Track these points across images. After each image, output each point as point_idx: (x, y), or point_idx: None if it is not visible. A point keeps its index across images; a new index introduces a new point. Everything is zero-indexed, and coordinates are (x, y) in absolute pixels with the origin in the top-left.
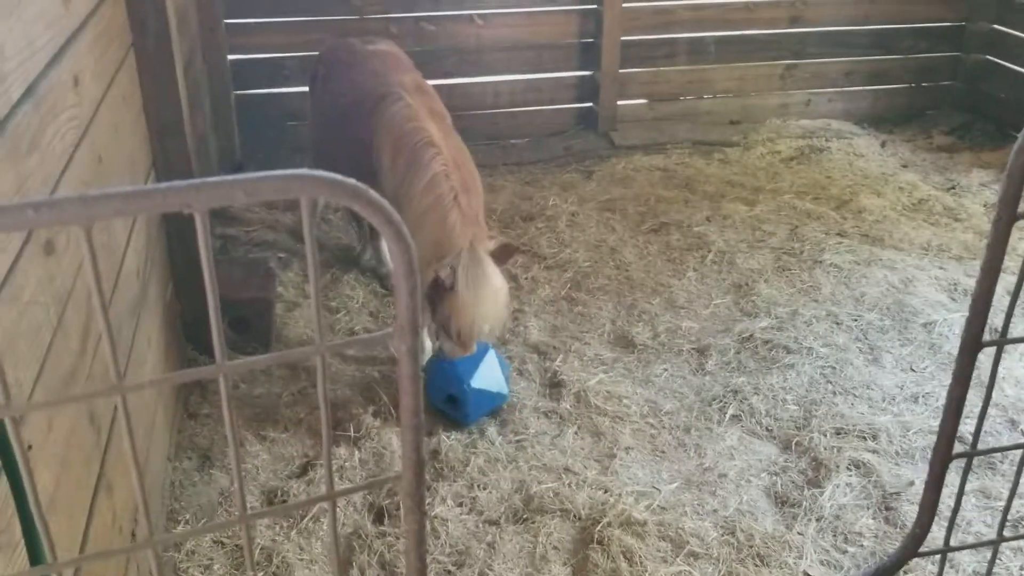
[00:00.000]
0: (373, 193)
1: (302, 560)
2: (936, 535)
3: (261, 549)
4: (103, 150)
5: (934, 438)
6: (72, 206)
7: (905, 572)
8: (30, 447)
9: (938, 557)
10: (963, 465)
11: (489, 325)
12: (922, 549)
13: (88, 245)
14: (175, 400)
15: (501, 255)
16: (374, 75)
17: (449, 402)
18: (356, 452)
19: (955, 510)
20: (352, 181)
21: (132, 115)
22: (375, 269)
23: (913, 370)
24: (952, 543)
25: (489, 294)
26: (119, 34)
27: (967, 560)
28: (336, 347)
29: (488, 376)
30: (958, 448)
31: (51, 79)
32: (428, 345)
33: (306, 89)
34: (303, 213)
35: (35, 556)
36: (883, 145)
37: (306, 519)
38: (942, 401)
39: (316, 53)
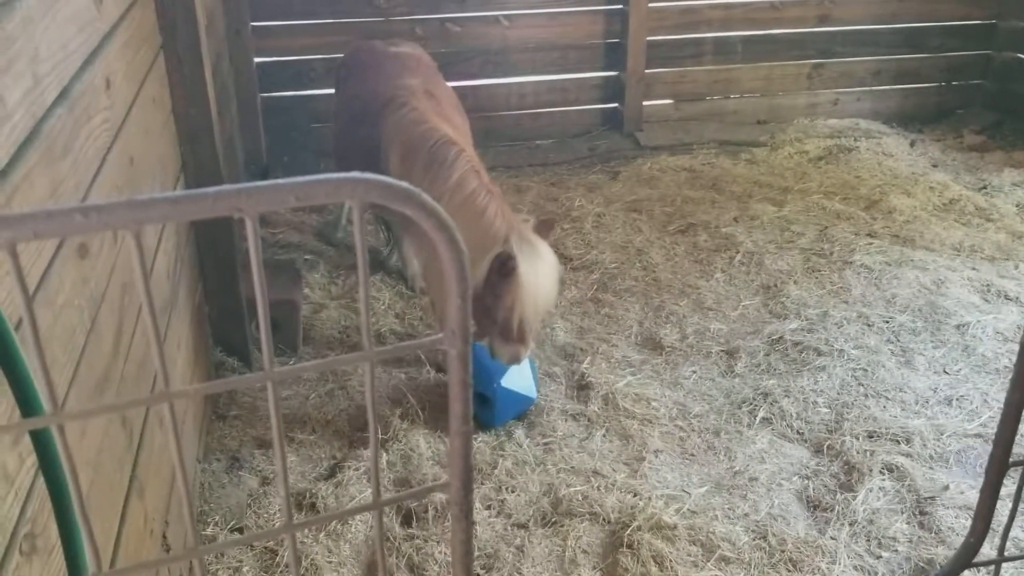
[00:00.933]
0: (426, 196)
1: (331, 563)
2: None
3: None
4: (134, 153)
5: (969, 441)
6: (122, 210)
7: None
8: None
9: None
10: (1019, 473)
11: (547, 305)
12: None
13: (138, 250)
14: (204, 402)
15: (543, 230)
16: (386, 78)
17: (476, 401)
18: (384, 454)
19: (1010, 519)
20: (405, 184)
21: (162, 118)
22: (400, 271)
23: (947, 372)
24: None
25: (548, 269)
26: (149, 36)
27: (1017, 572)
28: (384, 353)
29: (518, 377)
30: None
31: (84, 81)
32: None
33: (331, 91)
34: (355, 217)
35: (73, 561)
36: (912, 145)
37: (334, 522)
38: (976, 404)
39: (341, 55)
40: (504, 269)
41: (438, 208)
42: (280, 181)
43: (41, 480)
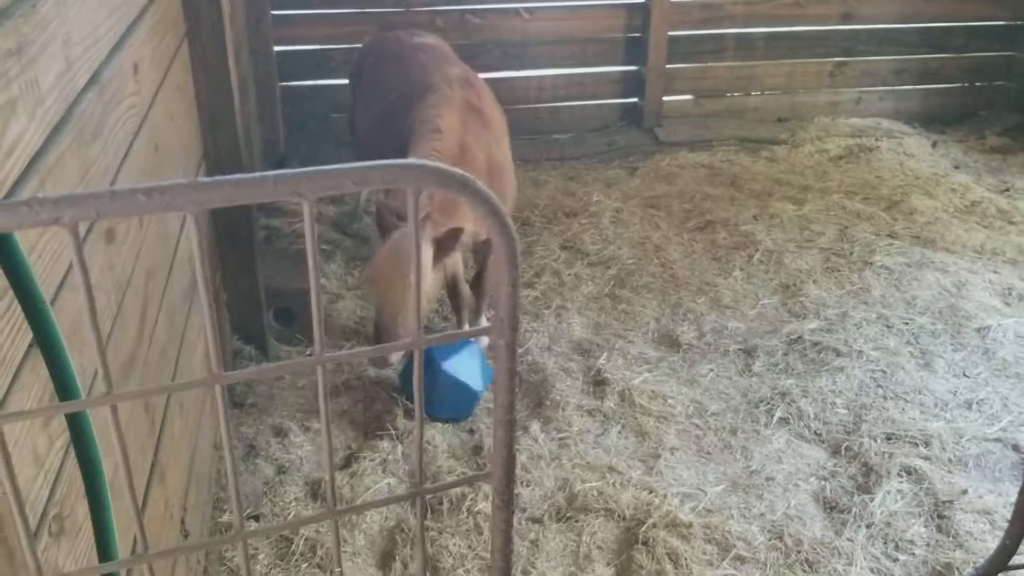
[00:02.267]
0: (480, 184)
1: (346, 552)
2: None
3: (305, 540)
4: (160, 139)
5: (988, 445)
6: (184, 192)
7: None
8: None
9: None
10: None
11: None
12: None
13: (197, 232)
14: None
15: (446, 241)
16: (423, 69)
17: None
18: (399, 446)
19: None
20: (460, 171)
21: (185, 105)
22: None
23: (966, 376)
24: None
25: (415, 272)
26: (174, 23)
27: None
28: (433, 340)
29: (464, 367)
30: None
31: (113, 66)
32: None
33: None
34: (409, 202)
35: (104, 542)
36: (934, 145)
37: (350, 512)
38: (996, 408)
39: (360, 45)
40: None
41: (491, 195)
42: (339, 166)
43: (69, 462)
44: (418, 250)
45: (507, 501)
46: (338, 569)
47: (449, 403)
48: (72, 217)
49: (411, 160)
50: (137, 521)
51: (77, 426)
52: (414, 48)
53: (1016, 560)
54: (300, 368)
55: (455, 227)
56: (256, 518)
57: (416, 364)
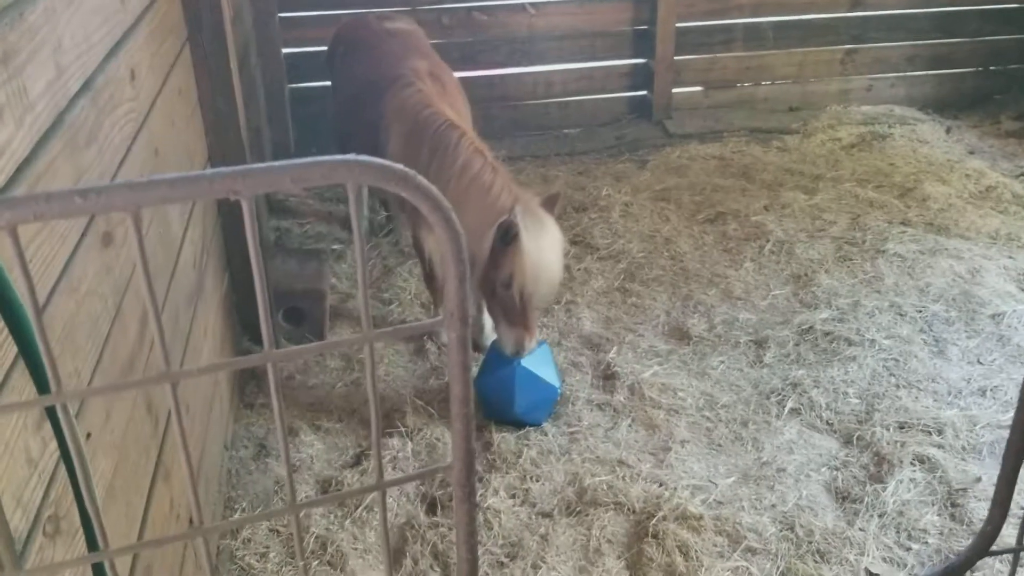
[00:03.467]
0: (421, 179)
1: (356, 549)
2: (1005, 534)
3: (316, 538)
4: (160, 143)
5: (1003, 433)
6: (120, 192)
7: (974, 571)
8: (88, 435)
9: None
10: None
11: (551, 279)
12: (993, 548)
13: (137, 232)
14: (232, 390)
15: (549, 204)
16: (391, 57)
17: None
18: (409, 443)
19: None
20: (400, 167)
21: (188, 109)
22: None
23: (980, 363)
24: None
25: (551, 241)
26: (174, 28)
27: None
28: (383, 334)
29: (541, 363)
30: None
31: (108, 73)
32: (489, 325)
33: None
34: (349, 198)
35: (93, 543)
36: (948, 131)
37: (359, 508)
38: (1011, 395)
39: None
40: (506, 238)
41: (433, 190)
42: (276, 163)
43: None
44: (362, 245)
45: (469, 493)
46: (301, 562)
47: (527, 402)
48: (9, 219)
49: (350, 156)
50: (95, 518)
51: (59, 427)
52: (383, 35)
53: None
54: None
55: (551, 194)
56: (268, 517)
57: (369, 357)
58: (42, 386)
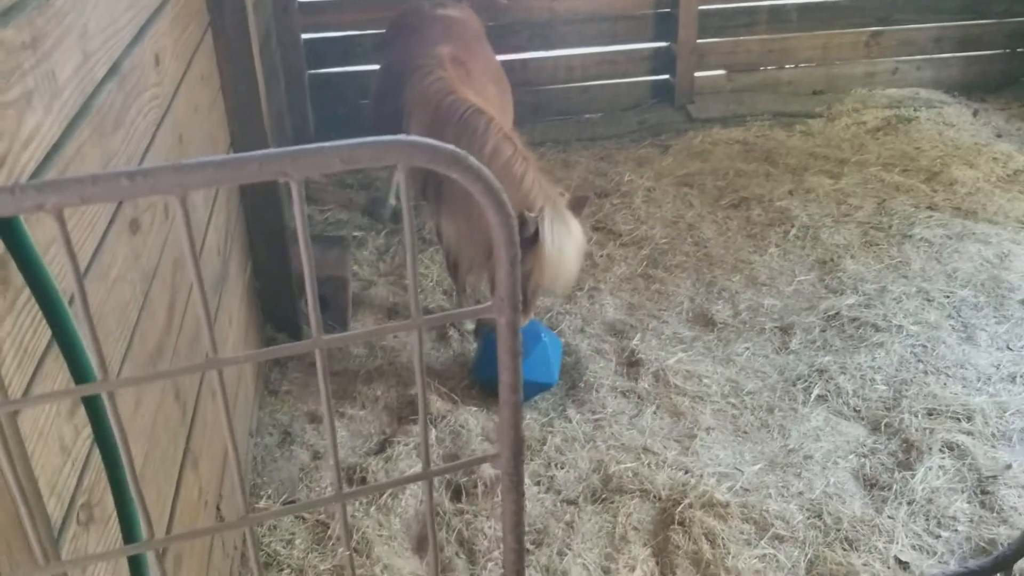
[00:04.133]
0: (473, 160)
1: (381, 536)
2: None
3: (342, 525)
4: (183, 129)
5: None
6: (166, 175)
7: None
8: None
9: None
10: None
11: (565, 280)
12: None
13: (184, 214)
14: (256, 377)
15: (577, 206)
16: (418, 45)
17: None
18: (433, 430)
19: None
20: (451, 147)
21: (210, 95)
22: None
23: (1010, 348)
24: None
25: (573, 246)
26: (197, 14)
27: None
28: (432, 320)
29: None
30: None
31: (134, 58)
32: (470, 326)
33: (379, 67)
34: (400, 180)
35: (129, 529)
36: (975, 114)
37: (385, 496)
38: None
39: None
40: (524, 232)
41: (485, 171)
42: (325, 144)
43: (97, 451)
44: (413, 231)
45: (516, 482)
46: (348, 552)
47: (526, 376)
48: (56, 203)
49: (400, 137)
50: (141, 508)
51: (95, 417)
52: (425, 22)
53: None
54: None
55: (581, 194)
56: (293, 503)
57: (417, 344)
58: (78, 373)
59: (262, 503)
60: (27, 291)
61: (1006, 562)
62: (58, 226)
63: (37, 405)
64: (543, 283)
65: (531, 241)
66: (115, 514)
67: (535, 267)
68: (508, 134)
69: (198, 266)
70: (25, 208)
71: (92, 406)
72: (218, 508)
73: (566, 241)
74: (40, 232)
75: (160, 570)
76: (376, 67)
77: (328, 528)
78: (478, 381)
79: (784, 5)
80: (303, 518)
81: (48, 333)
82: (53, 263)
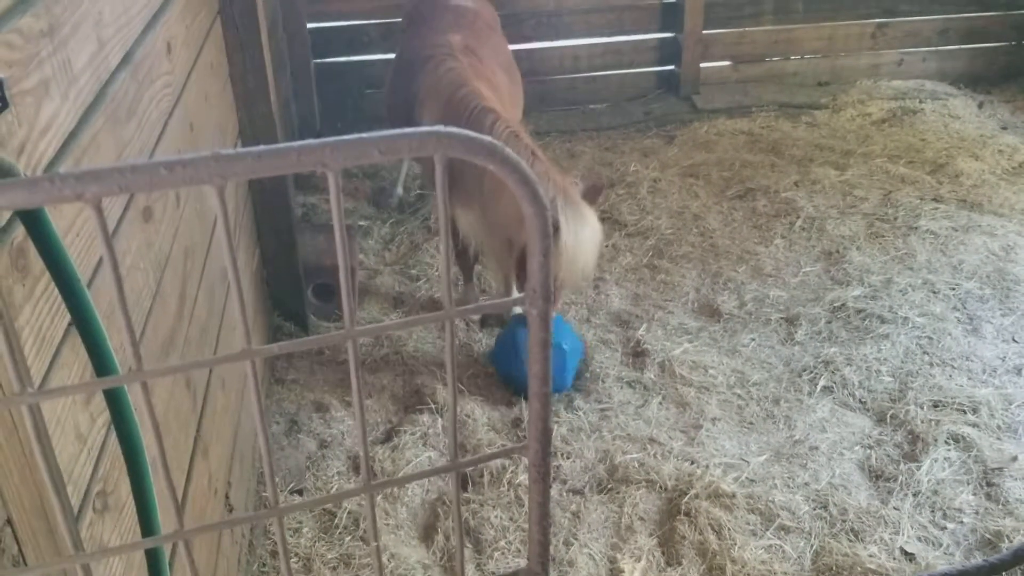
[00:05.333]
0: (508, 151)
1: (388, 525)
2: None
3: (348, 513)
4: (194, 118)
5: None
6: (206, 165)
7: None
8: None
9: None
10: None
11: (586, 271)
12: None
13: (220, 204)
14: (263, 366)
15: (591, 195)
16: (431, 33)
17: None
18: (439, 420)
19: None
20: (488, 139)
21: (220, 83)
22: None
23: (1016, 341)
24: None
25: (590, 235)
26: (207, 2)
27: None
28: (465, 311)
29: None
30: None
31: (146, 46)
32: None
33: (385, 56)
34: (437, 170)
35: (146, 517)
36: (980, 106)
37: (391, 485)
38: None
39: (395, 20)
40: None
41: (521, 162)
42: (364, 135)
43: (112, 440)
44: (447, 223)
45: (544, 473)
46: (375, 543)
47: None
48: (95, 192)
49: (439, 128)
50: (172, 498)
51: (116, 403)
52: (438, 10)
53: None
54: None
55: (596, 183)
56: (300, 492)
57: (448, 335)
58: (98, 361)
59: (268, 491)
60: (45, 279)
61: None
62: (95, 216)
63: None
64: (561, 275)
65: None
66: (129, 502)
67: (554, 259)
68: (515, 130)
69: (233, 254)
70: (64, 197)
71: (113, 396)
72: (227, 496)
73: (583, 230)
74: (58, 221)
75: (188, 557)
76: (382, 56)
77: (335, 517)
78: (498, 372)
79: None
80: (310, 508)
81: (65, 322)
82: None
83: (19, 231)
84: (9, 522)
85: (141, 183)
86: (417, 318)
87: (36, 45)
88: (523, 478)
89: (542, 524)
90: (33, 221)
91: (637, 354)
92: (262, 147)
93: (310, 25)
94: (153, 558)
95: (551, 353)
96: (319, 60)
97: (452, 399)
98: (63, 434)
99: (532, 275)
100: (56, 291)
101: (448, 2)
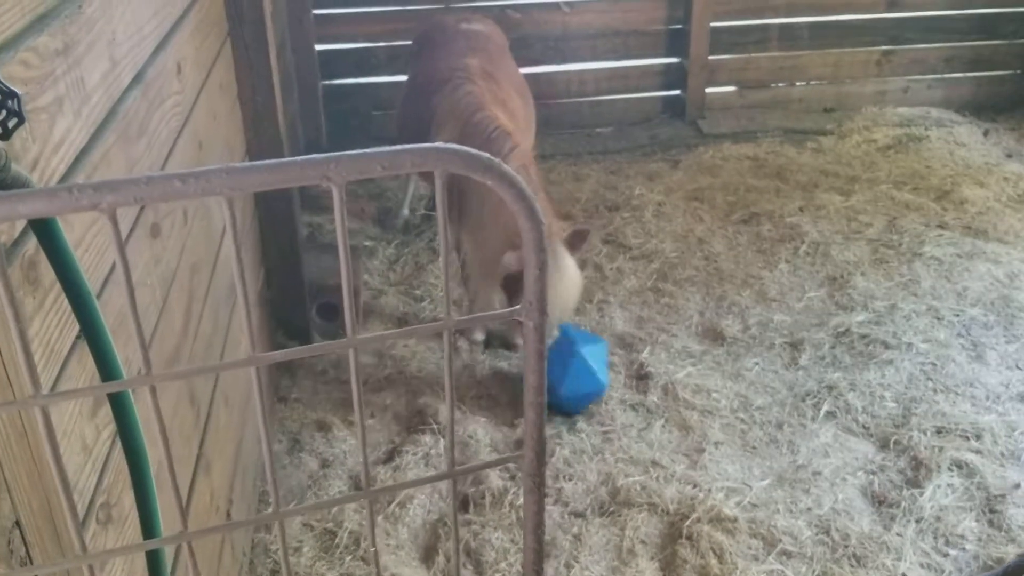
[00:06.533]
0: (506, 168)
1: (389, 545)
2: None
3: (349, 533)
4: (203, 137)
5: None
6: (218, 177)
7: None
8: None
9: None
10: None
11: (561, 313)
12: None
13: (230, 215)
14: (267, 384)
15: (575, 242)
16: (447, 56)
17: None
18: (441, 440)
19: None
20: (486, 155)
21: (228, 103)
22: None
23: (1019, 368)
24: None
25: (565, 287)
26: (217, 23)
27: None
28: (463, 322)
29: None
30: None
31: (157, 65)
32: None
33: (392, 78)
34: (436, 185)
35: (148, 524)
36: (986, 134)
37: (392, 505)
38: None
39: (402, 43)
40: (512, 278)
41: (518, 179)
42: (367, 151)
43: (116, 452)
44: (447, 236)
45: (539, 483)
46: (373, 548)
47: (574, 390)
48: (111, 202)
49: (439, 144)
50: (176, 499)
51: (121, 413)
52: (451, 35)
53: None
54: (333, 349)
55: (581, 228)
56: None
57: (447, 344)
58: (106, 371)
59: (270, 510)
60: (55, 292)
61: (1015, 572)
62: (111, 226)
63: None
64: None
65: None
66: (133, 514)
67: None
68: (525, 163)
69: (241, 264)
70: (82, 207)
71: (118, 404)
72: (228, 514)
73: (559, 280)
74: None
75: (192, 563)
76: (389, 78)
77: (335, 536)
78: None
79: (795, 23)
80: (311, 526)
81: (72, 334)
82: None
83: (30, 244)
84: (18, 524)
85: (156, 194)
86: (417, 327)
87: (51, 63)
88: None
89: (536, 533)
90: (46, 232)
91: (640, 377)
92: (270, 160)
93: (318, 47)
94: (154, 564)
95: (572, 362)
96: (327, 81)
97: (450, 408)
98: (69, 444)
99: (528, 287)
100: (64, 304)
101: (460, 27)
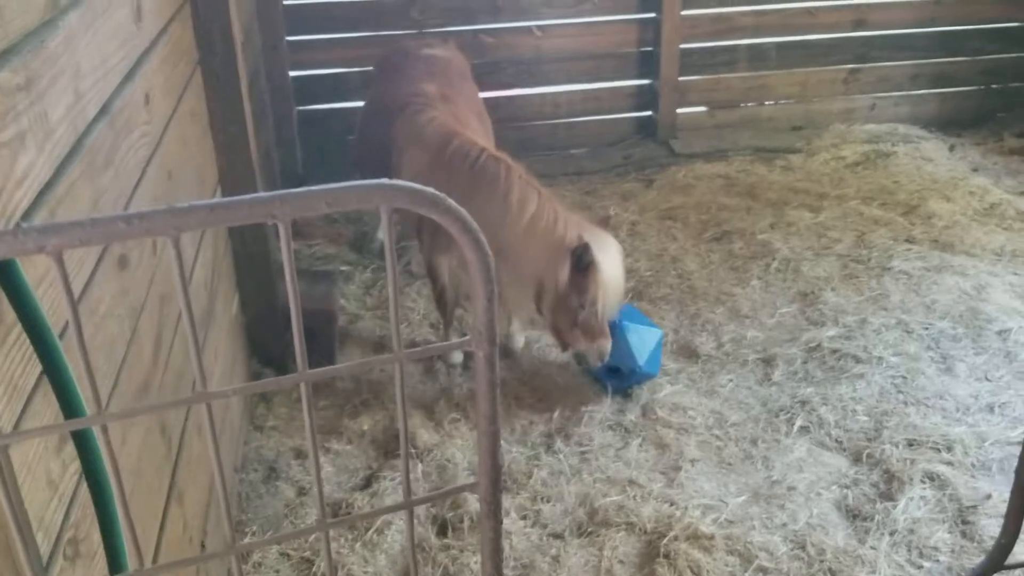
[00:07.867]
0: (451, 202)
1: (367, 572)
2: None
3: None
4: (173, 166)
5: (1012, 449)
6: (161, 218)
7: None
8: None
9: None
10: None
11: (621, 293)
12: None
13: (177, 257)
14: (243, 412)
15: (604, 225)
16: (404, 82)
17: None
18: (419, 465)
19: None
20: (431, 190)
21: (199, 131)
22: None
23: (988, 379)
24: None
25: (618, 257)
26: (187, 52)
27: None
28: (413, 354)
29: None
30: None
31: (124, 96)
32: (521, 339)
33: None
34: (383, 222)
35: (115, 561)
36: (952, 149)
37: (370, 531)
38: (1020, 411)
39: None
40: (582, 263)
41: (462, 212)
42: (312, 188)
43: (83, 486)
44: (395, 270)
45: (494, 509)
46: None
47: (646, 353)
48: (56, 245)
49: (384, 181)
50: (131, 534)
51: (85, 449)
52: (410, 61)
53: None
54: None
55: (603, 215)
56: (279, 541)
57: (398, 377)
58: (68, 408)
59: (247, 540)
60: (17, 328)
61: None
62: (57, 267)
63: (29, 439)
64: (608, 300)
65: (587, 269)
66: (101, 549)
67: (600, 288)
68: (527, 178)
69: (189, 304)
70: (27, 250)
71: (82, 440)
72: (203, 545)
73: (614, 258)
74: (31, 271)
75: None
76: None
77: (313, 565)
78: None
79: (763, 43)
80: (288, 555)
81: (36, 370)
82: (43, 300)
83: None
84: None
85: (100, 236)
86: (367, 360)
87: (12, 99)
88: (504, 523)
89: (495, 559)
90: (4, 272)
91: (624, 395)
92: (214, 200)
93: (293, 73)
94: None
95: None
96: (302, 107)
97: (403, 440)
98: (34, 480)
99: (477, 318)
100: (27, 341)
101: (420, 52)
